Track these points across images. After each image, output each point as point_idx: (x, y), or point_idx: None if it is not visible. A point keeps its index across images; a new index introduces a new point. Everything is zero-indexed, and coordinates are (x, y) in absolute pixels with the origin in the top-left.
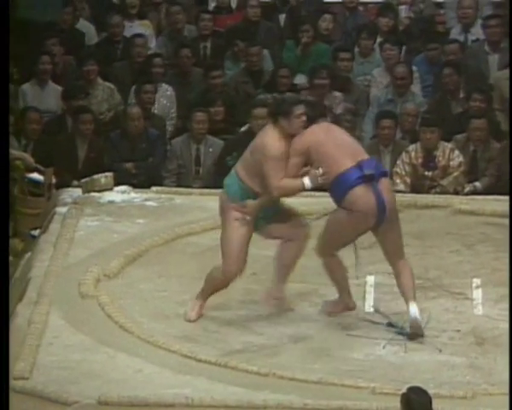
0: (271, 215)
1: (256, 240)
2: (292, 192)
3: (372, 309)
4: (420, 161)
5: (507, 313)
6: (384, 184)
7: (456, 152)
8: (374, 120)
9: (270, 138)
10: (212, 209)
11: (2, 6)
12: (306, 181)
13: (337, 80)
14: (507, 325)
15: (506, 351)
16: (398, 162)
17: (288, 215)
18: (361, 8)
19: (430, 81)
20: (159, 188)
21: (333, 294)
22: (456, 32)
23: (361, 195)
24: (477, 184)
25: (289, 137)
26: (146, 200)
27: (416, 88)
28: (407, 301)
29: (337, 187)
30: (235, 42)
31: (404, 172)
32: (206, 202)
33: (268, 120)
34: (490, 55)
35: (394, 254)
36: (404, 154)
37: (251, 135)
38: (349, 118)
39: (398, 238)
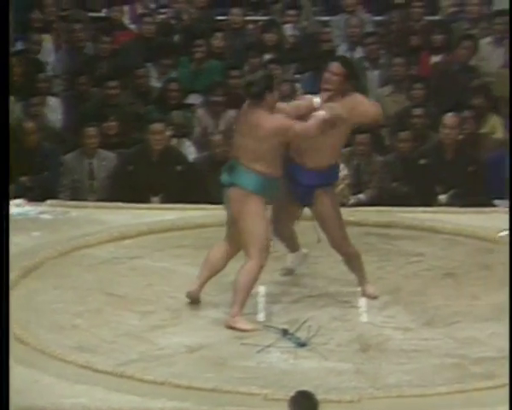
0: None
1: (150, 255)
2: (319, 126)
3: (264, 319)
4: None
5: (391, 319)
6: None
7: (342, 165)
8: None
9: (266, 116)
10: (108, 222)
11: (2, 6)
12: (321, 113)
13: (231, 98)
14: (390, 332)
15: (390, 356)
16: None
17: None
18: (251, 25)
19: None
20: (54, 201)
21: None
22: (342, 50)
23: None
24: (361, 196)
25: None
26: (41, 213)
27: None
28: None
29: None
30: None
31: None
32: (102, 215)
33: (250, 102)
34: (369, 71)
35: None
36: None
37: (147, 149)
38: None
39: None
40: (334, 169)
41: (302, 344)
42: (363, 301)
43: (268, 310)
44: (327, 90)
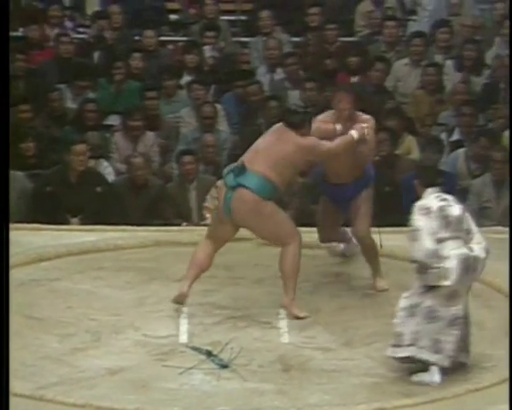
0: None
1: (70, 277)
2: (346, 145)
3: (186, 341)
4: None
5: (311, 340)
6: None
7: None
8: (175, 157)
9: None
10: (26, 243)
11: (2, 6)
12: (353, 132)
13: (148, 119)
14: (311, 352)
15: (311, 376)
16: (207, 197)
17: None
18: (171, 46)
19: (237, 119)
20: None
21: (151, 326)
22: (261, 73)
23: None
24: None
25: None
26: None
27: (222, 125)
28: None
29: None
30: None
31: (213, 206)
32: (19, 237)
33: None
34: (290, 90)
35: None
36: (212, 189)
37: (66, 170)
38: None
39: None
40: (361, 179)
41: (224, 366)
42: (283, 322)
43: (190, 331)
44: (344, 110)
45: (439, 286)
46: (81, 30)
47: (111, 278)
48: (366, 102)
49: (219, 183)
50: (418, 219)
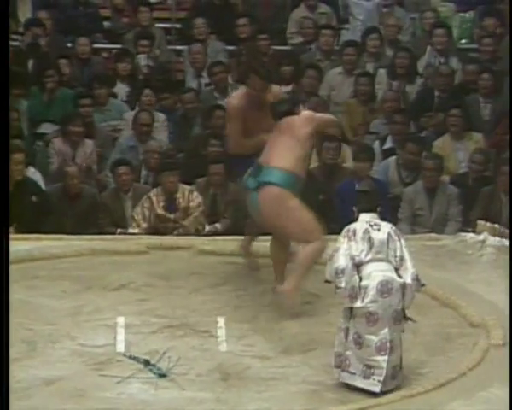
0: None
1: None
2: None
3: (123, 350)
4: (162, 204)
5: (249, 348)
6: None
7: (195, 193)
8: (110, 167)
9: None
10: None
11: (1, 6)
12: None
13: (84, 127)
14: (249, 360)
15: (249, 384)
16: (136, 207)
17: None
18: (105, 54)
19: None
20: None
21: (88, 335)
22: (190, 78)
23: None
24: (217, 225)
25: None
26: None
27: (162, 134)
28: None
29: None
30: None
31: (140, 217)
32: None
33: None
34: (219, 100)
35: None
36: (144, 198)
37: None
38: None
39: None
40: None
41: (162, 375)
42: (221, 331)
43: (127, 341)
44: None
45: (356, 308)
46: (14, 37)
47: (46, 288)
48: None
49: (153, 192)
50: (339, 241)
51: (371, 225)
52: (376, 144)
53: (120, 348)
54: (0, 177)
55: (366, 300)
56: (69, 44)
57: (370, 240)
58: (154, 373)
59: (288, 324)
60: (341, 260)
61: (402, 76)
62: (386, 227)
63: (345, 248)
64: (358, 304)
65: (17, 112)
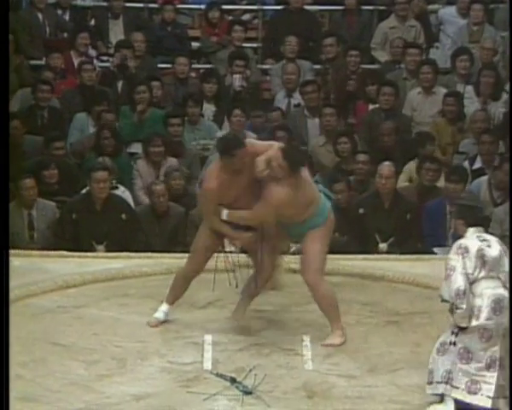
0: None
1: (96, 303)
2: None
3: (210, 368)
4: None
5: (335, 367)
6: None
7: None
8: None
9: None
10: (52, 271)
11: (2, 6)
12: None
13: (171, 146)
14: (335, 379)
15: (335, 403)
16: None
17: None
18: (193, 74)
19: None
20: None
21: (176, 352)
22: (280, 98)
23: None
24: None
25: None
26: None
27: None
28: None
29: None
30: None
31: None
32: (46, 264)
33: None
34: (309, 119)
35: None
36: None
37: (91, 197)
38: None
39: None
40: None
41: (248, 392)
42: (307, 350)
43: (215, 358)
44: None
45: (471, 325)
46: (104, 58)
47: (136, 305)
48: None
49: None
50: (453, 259)
51: (482, 241)
52: (466, 164)
53: (207, 365)
54: (0, 178)
55: (481, 318)
56: (159, 65)
57: (483, 257)
58: (241, 390)
59: (374, 343)
60: (460, 281)
61: (487, 94)
62: (497, 243)
63: (461, 267)
64: (474, 323)
65: (110, 129)
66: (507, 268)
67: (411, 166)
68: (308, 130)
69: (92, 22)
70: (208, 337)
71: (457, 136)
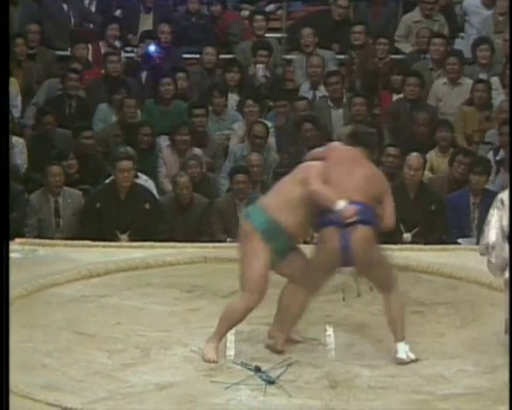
0: (287, 251)
1: (119, 293)
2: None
3: (233, 357)
4: None
5: (358, 356)
6: (357, 231)
7: None
8: (228, 174)
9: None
10: (76, 260)
11: (2, 6)
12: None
13: (195, 136)
14: (358, 369)
15: (358, 393)
16: None
17: (298, 256)
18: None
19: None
20: (22, 240)
21: (199, 342)
22: (305, 89)
23: (327, 236)
24: None
25: None
26: (10, 252)
27: (271, 142)
28: (396, 340)
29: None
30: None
31: None
32: (70, 253)
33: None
34: (334, 110)
35: (379, 287)
36: None
37: (115, 186)
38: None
39: (377, 277)
40: None
41: (271, 382)
42: (330, 339)
43: (237, 348)
44: None
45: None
46: (129, 49)
47: (159, 295)
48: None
49: None
50: (490, 213)
51: None
52: (490, 155)
53: (230, 354)
54: (0, 177)
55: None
56: (184, 56)
57: None
58: (264, 380)
59: None
60: (492, 235)
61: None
62: None
63: (495, 220)
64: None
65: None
66: None
67: (431, 155)
68: (332, 121)
69: (117, 13)
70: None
71: (484, 124)
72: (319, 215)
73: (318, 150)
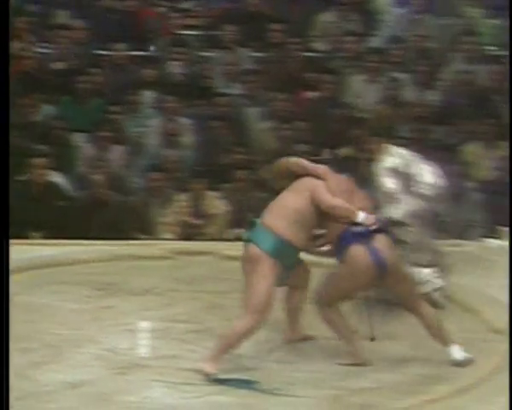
0: (295, 265)
1: (30, 291)
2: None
3: (146, 354)
4: (189, 210)
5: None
6: (380, 240)
7: (221, 201)
8: (143, 172)
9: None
10: None
11: (1, 6)
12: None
13: (114, 133)
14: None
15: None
16: (167, 212)
17: (301, 264)
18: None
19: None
20: None
21: (112, 340)
22: (221, 87)
23: (357, 254)
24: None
25: None
26: None
27: (188, 140)
28: (445, 346)
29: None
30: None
31: (172, 221)
32: None
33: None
34: (250, 107)
35: (408, 301)
36: (172, 204)
37: (28, 184)
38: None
39: (408, 287)
40: None
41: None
42: None
43: (151, 345)
44: None
45: None
46: (43, 44)
47: (71, 292)
48: None
49: (181, 197)
50: None
51: None
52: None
53: (144, 352)
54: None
55: None
56: (97, 52)
57: None
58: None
59: None
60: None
61: (423, 83)
62: None
63: None
64: None
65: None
66: None
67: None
68: (248, 119)
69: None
70: (145, 324)
71: (395, 121)
72: (340, 236)
73: (311, 165)
